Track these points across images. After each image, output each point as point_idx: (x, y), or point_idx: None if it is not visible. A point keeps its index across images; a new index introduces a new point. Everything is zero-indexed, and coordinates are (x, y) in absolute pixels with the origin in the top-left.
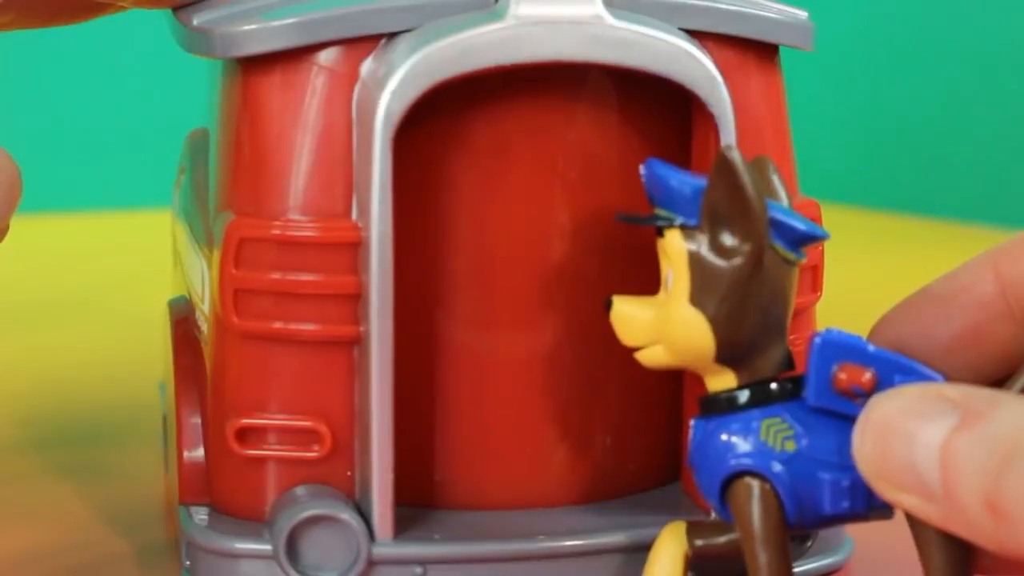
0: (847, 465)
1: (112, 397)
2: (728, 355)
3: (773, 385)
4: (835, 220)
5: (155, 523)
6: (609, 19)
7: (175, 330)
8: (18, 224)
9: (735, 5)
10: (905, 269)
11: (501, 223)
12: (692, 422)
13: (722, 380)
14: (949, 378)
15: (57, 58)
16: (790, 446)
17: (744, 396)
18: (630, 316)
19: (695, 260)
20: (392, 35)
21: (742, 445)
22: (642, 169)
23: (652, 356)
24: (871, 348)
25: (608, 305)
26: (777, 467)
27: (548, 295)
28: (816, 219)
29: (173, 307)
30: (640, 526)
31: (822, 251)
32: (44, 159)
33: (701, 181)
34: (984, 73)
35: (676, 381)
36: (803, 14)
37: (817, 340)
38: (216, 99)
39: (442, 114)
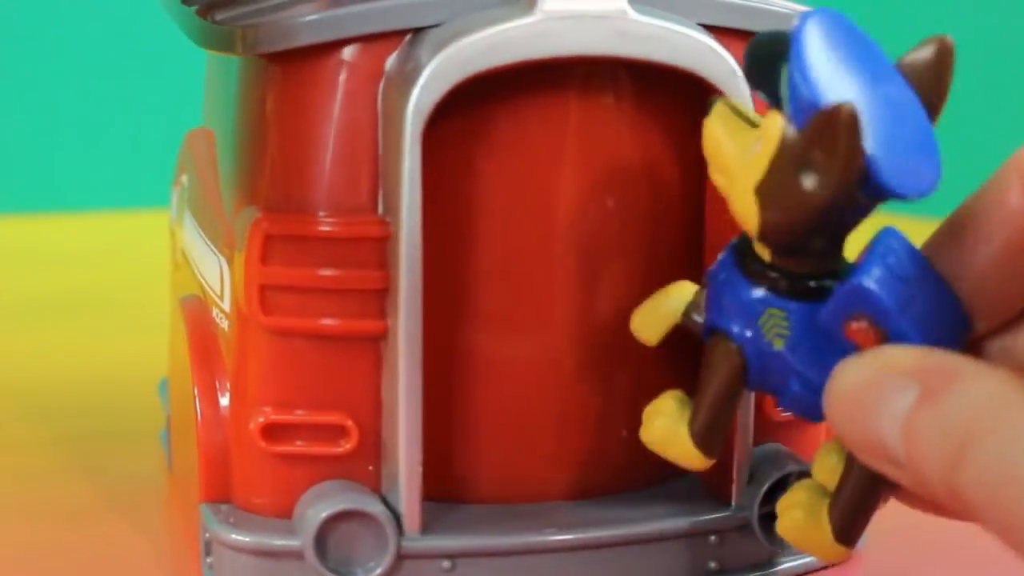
0: (819, 386)
1: (112, 396)
2: (769, 243)
3: (796, 281)
4: None
5: (156, 521)
6: (633, 14)
7: (191, 329)
8: (18, 224)
9: (747, 0)
10: None
11: (523, 218)
12: (724, 253)
13: (762, 249)
14: (980, 310)
15: (57, 58)
16: (778, 343)
17: (765, 275)
18: (718, 140)
19: (778, 161)
20: (416, 31)
21: (740, 317)
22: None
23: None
24: (900, 319)
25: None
26: (755, 356)
27: (570, 291)
28: None
29: (186, 306)
30: (660, 517)
31: None
32: (44, 159)
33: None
34: (985, 72)
35: (692, 376)
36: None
37: (857, 282)
38: (233, 97)
39: (462, 110)
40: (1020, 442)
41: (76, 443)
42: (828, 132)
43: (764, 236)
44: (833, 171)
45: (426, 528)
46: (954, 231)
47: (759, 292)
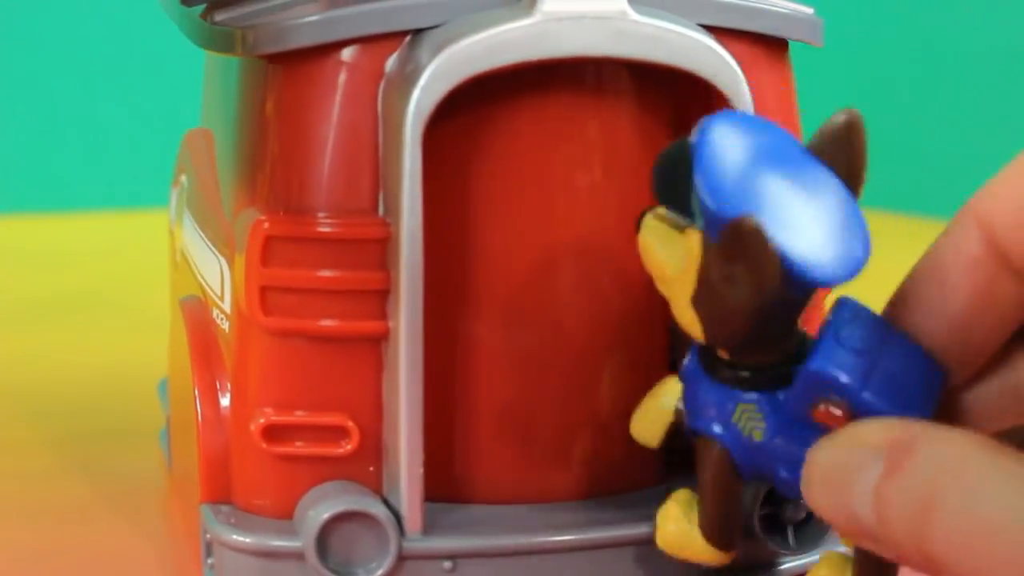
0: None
1: (112, 396)
2: (720, 347)
3: (757, 374)
4: None
5: (156, 521)
6: (633, 15)
7: (191, 330)
8: (18, 224)
9: (747, 0)
10: (905, 269)
11: (524, 219)
12: (691, 351)
13: (720, 350)
14: (951, 364)
15: (57, 58)
16: (757, 435)
17: (728, 374)
18: (652, 253)
19: (703, 275)
20: (416, 32)
21: (716, 416)
22: (695, 137)
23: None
24: (863, 394)
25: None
26: (740, 451)
27: (571, 292)
28: None
29: (186, 306)
30: None
31: None
32: (44, 159)
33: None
34: (985, 72)
35: None
36: (809, 10)
37: (813, 368)
38: (232, 98)
39: (462, 111)
40: (979, 496)
41: (76, 443)
42: (737, 247)
43: (712, 343)
44: (752, 281)
45: (427, 529)
46: (917, 285)
47: (726, 391)
